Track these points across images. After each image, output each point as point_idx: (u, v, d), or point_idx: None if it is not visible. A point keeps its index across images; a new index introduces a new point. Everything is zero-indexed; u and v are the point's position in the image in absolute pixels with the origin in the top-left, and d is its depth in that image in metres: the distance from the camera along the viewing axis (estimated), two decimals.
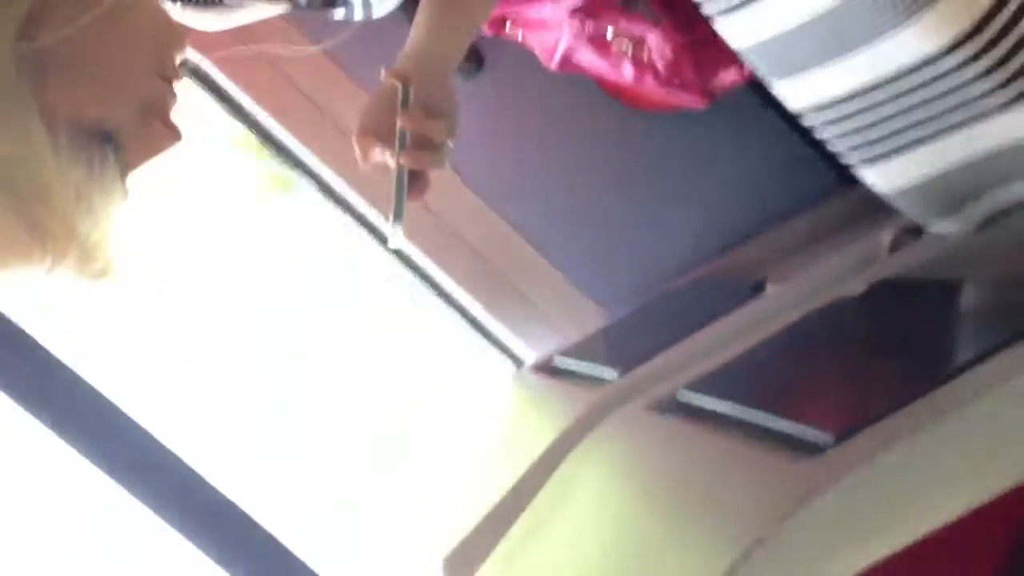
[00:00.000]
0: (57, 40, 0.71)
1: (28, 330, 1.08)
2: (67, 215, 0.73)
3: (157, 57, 0.79)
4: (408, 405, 2.24)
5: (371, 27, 0.93)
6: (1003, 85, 0.98)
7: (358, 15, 0.89)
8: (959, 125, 1.02)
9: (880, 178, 1.16)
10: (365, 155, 0.98)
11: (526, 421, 1.62)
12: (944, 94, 1.01)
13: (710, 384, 1.14)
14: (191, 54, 0.85)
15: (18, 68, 0.69)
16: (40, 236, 0.72)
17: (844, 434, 0.79)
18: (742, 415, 0.98)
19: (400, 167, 0.94)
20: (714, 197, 1.91)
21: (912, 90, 1.03)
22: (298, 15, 0.92)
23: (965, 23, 0.95)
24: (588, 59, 1.63)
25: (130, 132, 0.77)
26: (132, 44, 0.77)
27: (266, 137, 1.81)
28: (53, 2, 0.72)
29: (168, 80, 0.81)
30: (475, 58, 1.84)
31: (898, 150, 1.09)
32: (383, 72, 0.98)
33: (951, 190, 1.11)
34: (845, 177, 1.41)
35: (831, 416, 0.90)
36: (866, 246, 1.43)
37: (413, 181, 0.96)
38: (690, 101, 1.72)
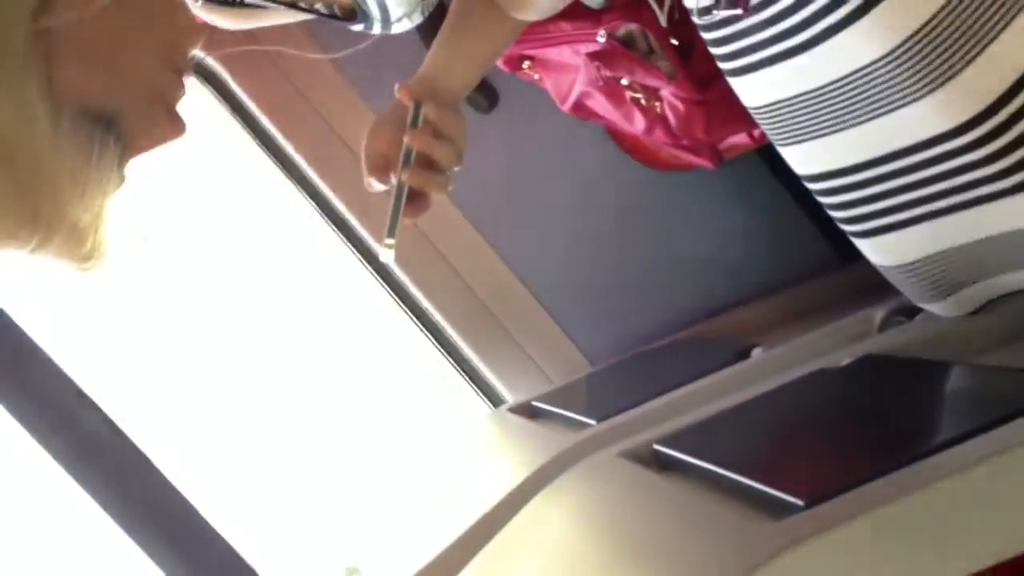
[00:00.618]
0: (72, 22, 0.71)
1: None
2: (59, 195, 0.72)
3: (170, 48, 0.79)
4: (379, 431, 2.22)
5: (384, 48, 0.94)
6: (1009, 171, 0.98)
7: (376, 30, 0.89)
8: (962, 206, 1.02)
9: (878, 252, 1.16)
10: (370, 168, 0.98)
11: (499, 459, 1.61)
12: (949, 174, 1.01)
13: (687, 439, 1.13)
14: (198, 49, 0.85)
15: (30, 46, 0.69)
16: (30, 214, 0.71)
17: (815, 499, 0.78)
18: (715, 472, 0.97)
19: (401, 183, 0.94)
20: (712, 258, 1.91)
21: (917, 167, 1.03)
22: (315, 24, 0.92)
23: (977, 106, 0.96)
24: (601, 105, 1.64)
25: (134, 120, 0.77)
26: (146, 32, 0.77)
27: (263, 140, 1.81)
28: None
29: (178, 72, 0.81)
30: (490, 94, 1.85)
31: (898, 225, 1.09)
32: (396, 88, 0.98)
33: (949, 271, 1.11)
34: (844, 252, 1.41)
35: (804, 481, 0.89)
36: (857, 322, 1.43)
37: (412, 200, 0.96)
38: (699, 161, 1.72)
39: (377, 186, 0.99)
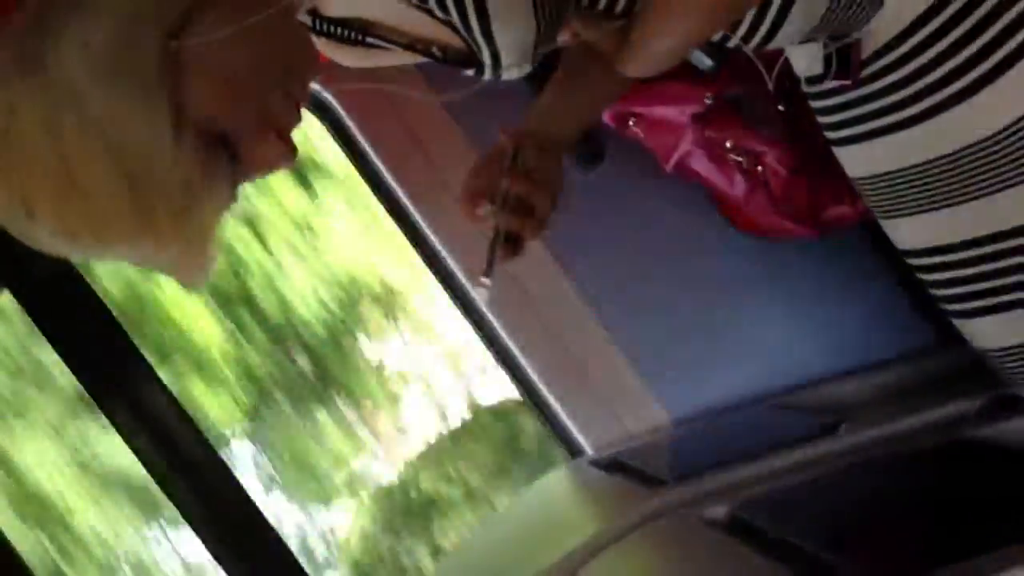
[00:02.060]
0: (202, 43, 0.75)
1: None
2: (175, 203, 0.76)
3: (290, 77, 0.83)
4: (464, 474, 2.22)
5: (494, 93, 0.96)
6: None
7: (487, 75, 0.92)
8: None
9: (982, 334, 1.13)
10: (468, 207, 1.00)
11: (575, 511, 1.60)
12: None
13: (768, 508, 1.11)
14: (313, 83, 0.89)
15: (163, 63, 0.73)
16: (147, 217, 0.75)
17: None
18: (794, 545, 0.95)
19: (497, 224, 0.96)
20: (806, 329, 1.88)
21: None
22: (430, 66, 0.95)
23: None
24: (703, 166, 1.64)
25: (248, 141, 0.80)
26: (270, 59, 0.81)
27: (368, 175, 1.86)
28: (206, 9, 0.76)
29: (295, 101, 0.84)
30: (596, 149, 1.87)
31: (1007, 306, 1.06)
32: (500, 133, 1.01)
33: None
34: (945, 335, 1.37)
35: (885, 561, 0.86)
36: (955, 405, 1.39)
37: (507, 243, 0.98)
38: (800, 230, 1.71)
39: (473, 218, 1.01)
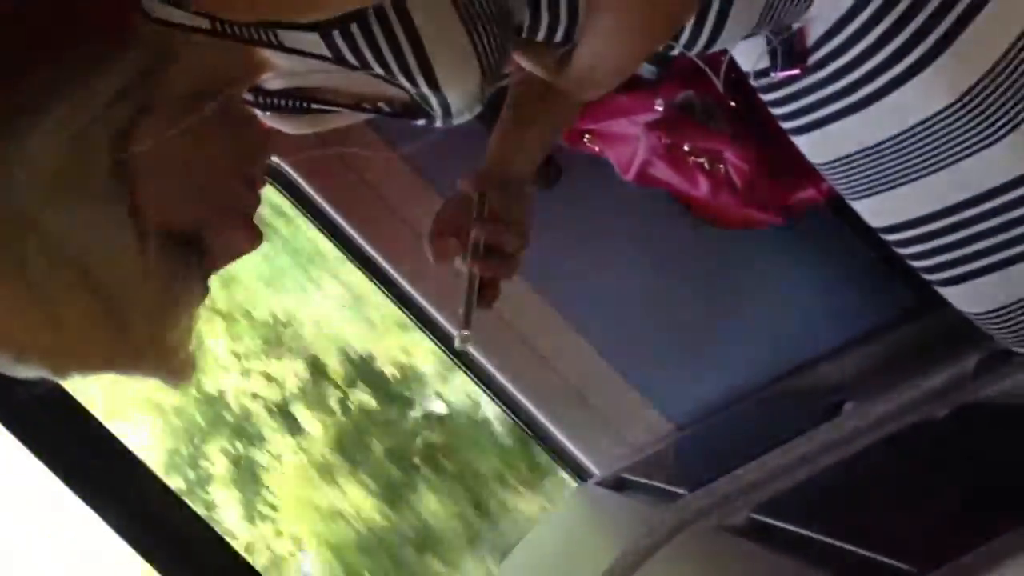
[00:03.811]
0: (151, 149, 0.74)
1: None
2: (150, 312, 0.74)
3: (243, 161, 0.81)
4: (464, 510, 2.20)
5: (448, 133, 0.95)
6: None
7: (438, 123, 0.91)
8: None
9: (965, 299, 1.13)
10: (437, 256, 0.99)
11: (589, 535, 1.58)
12: None
13: (785, 506, 1.10)
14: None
15: (113, 174, 0.72)
16: (123, 331, 0.73)
17: (927, 566, 0.76)
18: (818, 540, 0.94)
19: (472, 274, 0.95)
20: (789, 315, 1.88)
21: (997, 211, 1.01)
22: (379, 120, 0.94)
23: None
24: (664, 172, 1.64)
25: (214, 235, 0.79)
26: (222, 149, 0.79)
27: (338, 237, 1.85)
28: (150, 113, 0.74)
29: (253, 184, 0.83)
30: (553, 169, 1.87)
31: (981, 271, 1.06)
32: (461, 180, 1.00)
33: None
34: (927, 297, 1.38)
35: (912, 546, 0.85)
36: (950, 369, 1.38)
37: (483, 288, 0.97)
38: (768, 218, 1.71)
39: (448, 260, 1.00)
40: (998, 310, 1.09)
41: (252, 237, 0.81)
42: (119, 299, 0.71)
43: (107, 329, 0.72)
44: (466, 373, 1.85)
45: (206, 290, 0.80)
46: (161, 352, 0.75)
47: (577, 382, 1.88)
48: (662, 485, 1.49)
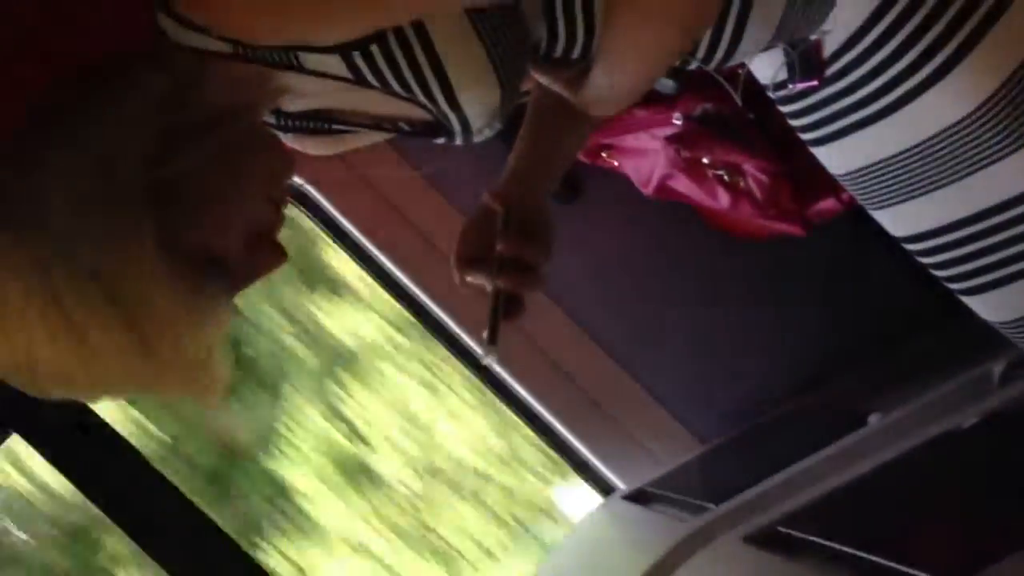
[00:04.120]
0: (176, 172, 0.74)
1: None
2: (173, 333, 0.75)
3: (267, 183, 0.82)
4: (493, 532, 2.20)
5: (468, 151, 0.96)
6: None
7: (458, 141, 0.92)
8: None
9: (989, 308, 1.12)
10: (463, 277, 0.99)
11: (615, 549, 1.58)
12: None
13: (811, 518, 1.09)
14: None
15: (145, 195, 0.73)
16: (146, 352, 0.74)
17: None
18: (846, 553, 0.93)
19: (497, 289, 0.95)
20: (813, 325, 1.88)
21: (1019, 219, 1.00)
22: (400, 138, 0.95)
23: None
24: (684, 185, 1.64)
25: (238, 255, 0.80)
26: (246, 173, 0.80)
27: (362, 259, 1.85)
28: (175, 137, 0.75)
29: (276, 204, 0.84)
30: (573, 185, 1.87)
31: (1004, 280, 1.06)
32: (484, 195, 1.00)
33: None
34: (951, 305, 1.37)
35: (941, 558, 0.85)
36: (975, 378, 1.38)
37: (509, 304, 0.97)
38: (789, 229, 1.71)
39: (468, 287, 1.00)
40: (1020, 319, 1.08)
41: (277, 256, 0.81)
42: (146, 320, 0.72)
43: (135, 351, 0.72)
44: (489, 388, 1.85)
45: (232, 309, 0.81)
46: (189, 371, 0.76)
47: (600, 397, 1.88)
48: (687, 498, 1.48)
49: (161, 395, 0.78)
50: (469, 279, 0.99)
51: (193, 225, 0.75)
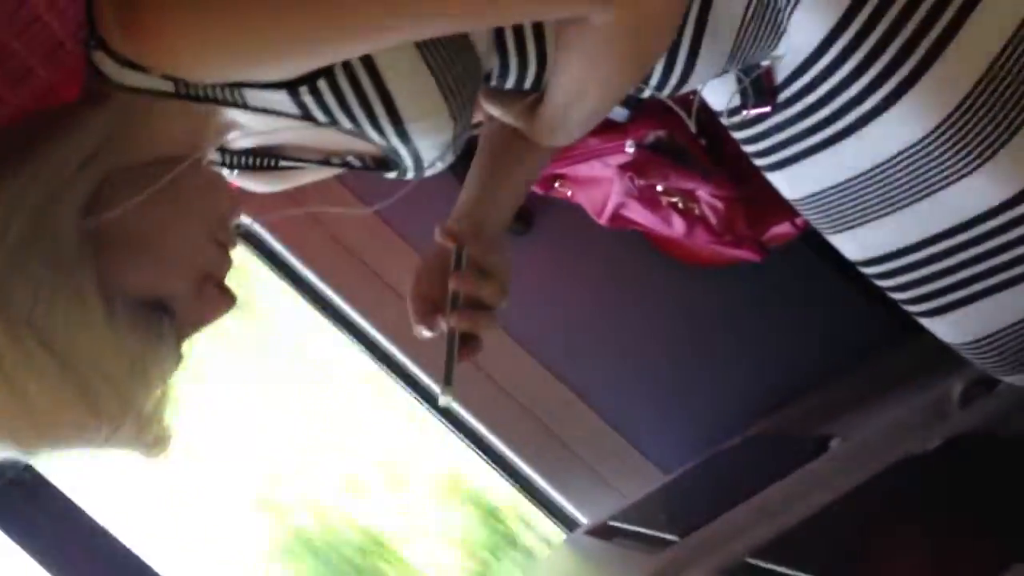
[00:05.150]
0: (118, 217, 0.72)
1: None
2: (121, 383, 0.71)
3: (213, 224, 0.80)
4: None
5: (420, 185, 0.94)
6: None
7: (410, 176, 0.89)
8: None
9: (947, 329, 1.12)
10: (420, 317, 0.97)
11: None
12: (1009, 245, 0.98)
13: (779, 550, 1.08)
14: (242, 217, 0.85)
15: (80, 243, 0.70)
16: (93, 404, 0.70)
17: None
18: None
19: (451, 328, 0.93)
20: (771, 350, 1.88)
21: (975, 241, 1.00)
22: (350, 175, 0.92)
23: None
24: (638, 213, 1.63)
25: (185, 300, 0.77)
26: (189, 215, 0.77)
27: (314, 298, 1.82)
28: (116, 181, 0.73)
29: (223, 246, 0.81)
30: (525, 217, 1.86)
31: (965, 300, 1.05)
32: (437, 232, 0.98)
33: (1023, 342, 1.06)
34: (908, 326, 1.37)
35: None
36: (935, 399, 1.38)
37: (465, 342, 0.95)
38: (745, 255, 1.71)
39: (426, 333, 0.97)
40: (979, 340, 1.08)
41: (225, 301, 0.78)
42: (88, 370, 0.69)
43: (77, 403, 0.69)
44: (447, 426, 1.82)
45: (180, 358, 0.78)
46: (136, 423, 0.72)
47: (560, 431, 1.86)
48: (652, 532, 1.46)
49: (105, 448, 0.75)
50: (425, 322, 0.97)
51: (136, 270, 0.72)
